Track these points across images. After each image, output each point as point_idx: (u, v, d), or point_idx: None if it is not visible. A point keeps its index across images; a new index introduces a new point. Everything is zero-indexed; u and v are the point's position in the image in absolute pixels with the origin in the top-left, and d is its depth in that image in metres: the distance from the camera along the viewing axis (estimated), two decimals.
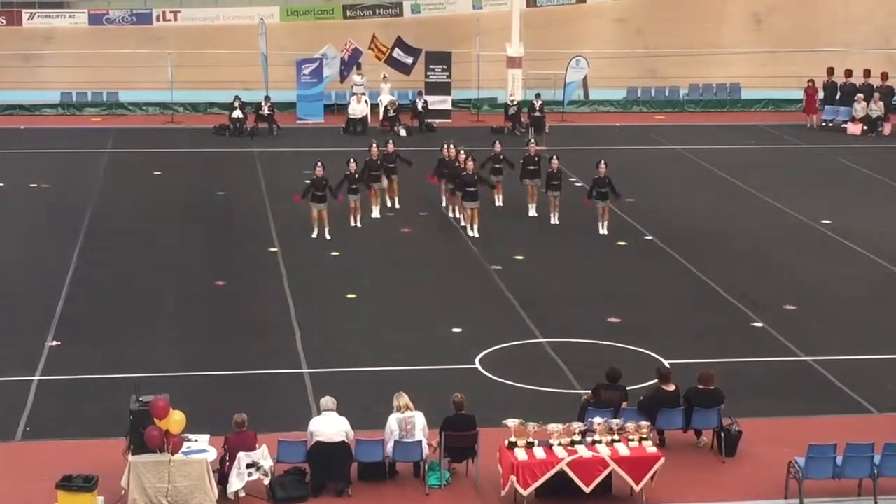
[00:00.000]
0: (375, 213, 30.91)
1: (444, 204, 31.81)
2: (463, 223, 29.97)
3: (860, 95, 44.03)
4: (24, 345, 22.12)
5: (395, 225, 30.58)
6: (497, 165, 31.82)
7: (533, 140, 32.67)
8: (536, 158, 31.26)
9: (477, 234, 29.15)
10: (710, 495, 16.96)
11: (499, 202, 31.93)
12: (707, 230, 30.56)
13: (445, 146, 31.76)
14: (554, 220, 30.48)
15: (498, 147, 31.95)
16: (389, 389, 18.32)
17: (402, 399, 17.19)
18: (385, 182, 31.55)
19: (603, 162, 29.82)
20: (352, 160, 30.11)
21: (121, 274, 26.48)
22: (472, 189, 29.24)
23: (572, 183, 33.45)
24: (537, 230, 30.27)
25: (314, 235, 28.89)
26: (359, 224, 29.99)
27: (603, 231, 29.67)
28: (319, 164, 29.25)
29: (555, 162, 30.58)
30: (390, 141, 32.86)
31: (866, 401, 20.15)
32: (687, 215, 31.96)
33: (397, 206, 31.74)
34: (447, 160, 31.36)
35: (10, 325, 23.29)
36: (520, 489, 16.33)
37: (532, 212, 31.22)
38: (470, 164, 29.63)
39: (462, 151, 30.90)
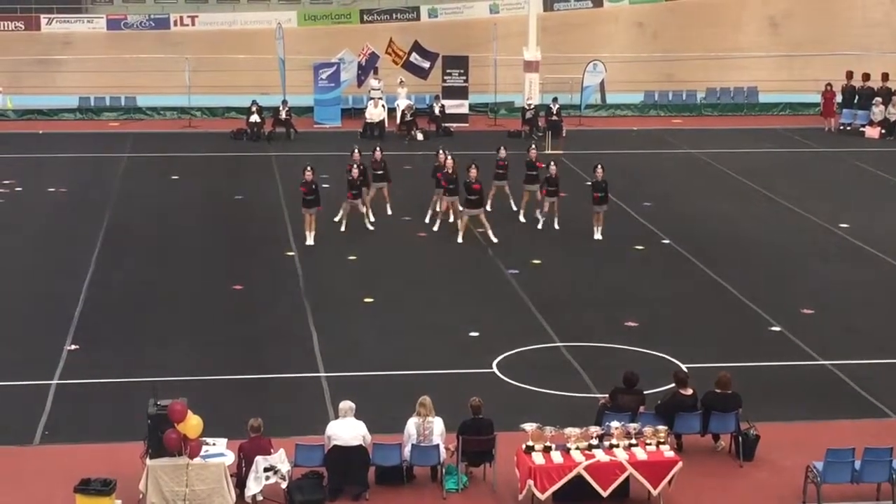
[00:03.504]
0: (370, 222, 30.44)
1: (438, 209, 30.75)
2: (452, 220, 29.76)
3: (878, 99, 43.94)
4: (42, 349, 22.19)
5: (412, 229, 30.60)
6: (500, 171, 31.72)
7: (533, 145, 32.40)
8: (537, 164, 31.23)
9: (461, 240, 29.00)
10: (727, 500, 16.94)
11: (514, 207, 31.78)
12: (724, 234, 30.50)
13: (441, 152, 31.44)
14: (554, 226, 30.46)
15: (503, 153, 31.80)
16: (407, 393, 18.34)
17: (425, 405, 17.18)
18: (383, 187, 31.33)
19: (600, 166, 29.81)
20: (354, 166, 29.94)
21: (139, 278, 26.56)
22: (474, 197, 29.03)
23: (584, 184, 33.31)
24: (554, 234, 30.22)
25: (309, 242, 28.79)
26: (342, 229, 29.87)
27: (598, 237, 29.57)
28: (309, 167, 29.22)
29: (553, 168, 30.53)
30: (377, 149, 32.09)
31: (885, 405, 20.07)
32: (704, 219, 31.91)
33: (389, 211, 31.46)
34: (442, 166, 30.98)
35: (29, 328, 23.38)
36: (537, 493, 16.32)
37: (521, 217, 31.05)
38: (473, 172, 28.92)
39: (450, 157, 30.39)
